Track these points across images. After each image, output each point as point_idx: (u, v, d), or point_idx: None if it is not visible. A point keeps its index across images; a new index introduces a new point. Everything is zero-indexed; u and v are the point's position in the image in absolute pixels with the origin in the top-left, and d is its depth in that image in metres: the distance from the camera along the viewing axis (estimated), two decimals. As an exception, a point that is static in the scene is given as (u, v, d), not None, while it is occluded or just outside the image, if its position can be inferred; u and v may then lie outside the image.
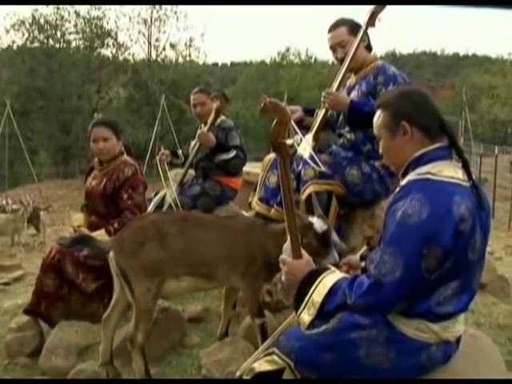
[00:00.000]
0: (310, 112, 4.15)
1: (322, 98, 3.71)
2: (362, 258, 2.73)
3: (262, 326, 3.24)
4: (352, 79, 4.02)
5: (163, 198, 4.95)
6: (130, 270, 3.05)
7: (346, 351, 2.15)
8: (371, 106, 3.27)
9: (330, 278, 2.24)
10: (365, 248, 2.87)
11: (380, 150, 2.35)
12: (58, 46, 29.40)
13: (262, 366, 2.31)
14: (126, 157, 4.10)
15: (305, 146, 3.53)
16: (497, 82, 40.86)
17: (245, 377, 2.38)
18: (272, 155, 3.80)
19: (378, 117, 2.30)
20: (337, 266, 2.86)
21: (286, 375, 2.26)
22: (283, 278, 2.38)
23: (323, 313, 2.19)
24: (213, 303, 4.17)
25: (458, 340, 2.29)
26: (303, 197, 3.55)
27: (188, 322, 3.90)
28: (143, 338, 3.06)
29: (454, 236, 2.00)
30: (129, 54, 31.45)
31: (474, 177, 2.15)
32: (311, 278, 2.26)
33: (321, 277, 2.25)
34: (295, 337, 2.27)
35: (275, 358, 2.28)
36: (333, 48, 3.91)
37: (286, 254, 2.41)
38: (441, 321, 2.13)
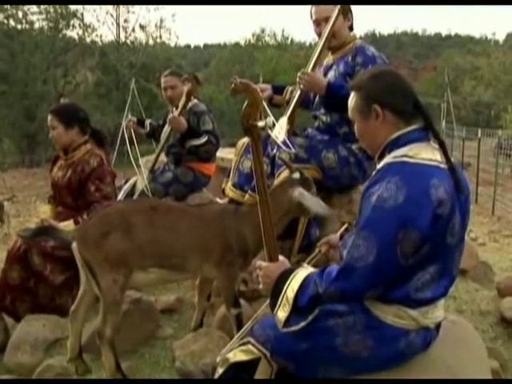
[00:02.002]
0: (279, 90, 4.15)
1: (298, 79, 3.71)
2: (342, 237, 2.75)
3: (238, 316, 3.25)
4: (329, 58, 4.02)
5: (134, 186, 4.95)
6: (94, 261, 3.04)
7: (322, 339, 2.18)
8: (348, 89, 3.29)
9: (303, 273, 2.26)
10: (345, 226, 2.90)
11: (356, 134, 2.36)
12: (19, 27, 28.87)
13: (237, 356, 2.34)
14: (90, 146, 4.06)
15: (279, 129, 3.54)
16: (480, 62, 41.02)
17: (219, 368, 2.40)
18: (246, 139, 3.78)
19: (351, 99, 2.31)
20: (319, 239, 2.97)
21: (262, 365, 2.29)
22: (261, 286, 2.40)
23: (298, 308, 2.21)
24: (186, 293, 4.18)
25: (438, 326, 2.32)
26: (278, 181, 3.56)
27: (161, 313, 3.91)
28: (112, 332, 3.05)
29: (431, 220, 2.01)
30: (96, 35, 31.01)
31: (451, 159, 2.17)
32: (285, 276, 2.28)
33: (293, 273, 2.27)
34: (271, 325, 2.29)
35: (250, 347, 2.30)
36: (317, 22, 3.90)
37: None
38: (419, 307, 2.14)
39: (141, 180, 4.88)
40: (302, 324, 2.19)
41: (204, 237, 3.21)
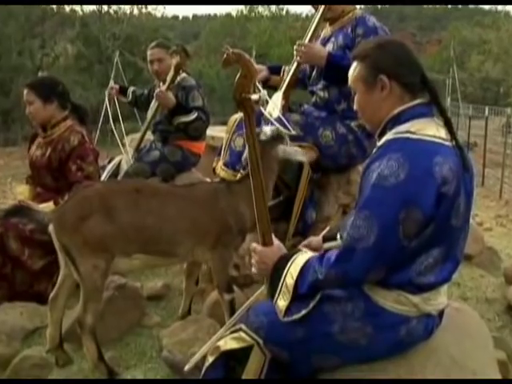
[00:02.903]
0: (275, 70, 4.14)
1: (295, 51, 3.70)
2: (326, 239, 2.72)
3: (231, 302, 3.25)
4: (327, 30, 4.00)
5: (118, 165, 4.96)
6: (73, 245, 3.01)
7: (318, 326, 2.20)
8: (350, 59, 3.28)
9: (301, 258, 2.26)
10: (328, 228, 2.89)
11: (355, 106, 2.35)
12: (-10, -7, 28.57)
13: (228, 343, 2.36)
14: (70, 122, 4.05)
15: (273, 105, 3.54)
16: (489, 35, 40.65)
17: (209, 356, 2.42)
18: (238, 115, 3.77)
19: (354, 69, 2.29)
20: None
21: (255, 353, 2.30)
22: (254, 270, 2.41)
23: (298, 296, 2.21)
24: (174, 279, 4.19)
25: (441, 314, 2.34)
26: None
27: (147, 300, 3.92)
28: (93, 320, 3.04)
29: (435, 199, 2.02)
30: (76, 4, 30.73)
31: (457, 137, 2.18)
32: (283, 262, 2.29)
33: (292, 259, 2.27)
34: (264, 311, 2.31)
35: (242, 334, 2.32)
36: None
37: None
38: (421, 292, 2.16)
39: (126, 159, 4.88)
40: (304, 312, 2.21)
41: (198, 219, 3.20)
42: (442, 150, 2.08)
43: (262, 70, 4.06)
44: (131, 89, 5.67)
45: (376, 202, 2.06)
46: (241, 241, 3.32)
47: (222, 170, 3.81)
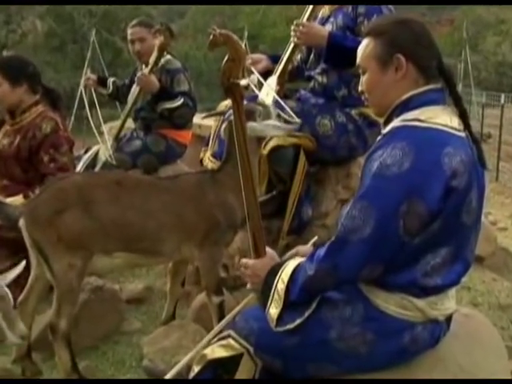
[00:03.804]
0: (277, 60, 4.14)
1: (292, 32, 3.71)
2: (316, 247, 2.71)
3: (220, 305, 3.26)
4: (325, 10, 4.01)
5: (96, 156, 4.95)
6: (46, 242, 3.01)
7: (314, 332, 2.20)
8: (354, 41, 3.28)
9: (293, 262, 2.27)
10: (316, 237, 2.89)
11: (361, 87, 2.32)
12: None
13: (216, 351, 2.35)
14: (42, 107, 4.02)
15: (267, 90, 3.55)
16: (507, 14, 40.38)
17: (194, 366, 2.42)
18: (228, 102, 3.78)
19: (367, 45, 2.26)
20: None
21: (245, 362, 2.30)
22: (248, 285, 2.44)
23: (291, 303, 2.21)
24: (157, 280, 4.21)
25: (449, 320, 2.34)
26: (265, 151, 3.57)
27: (127, 304, 3.94)
28: (67, 325, 3.03)
29: (443, 193, 2.02)
30: (46, -27, 30.41)
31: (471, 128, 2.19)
32: (275, 270, 2.29)
33: (283, 266, 2.28)
34: (255, 316, 2.32)
35: (231, 341, 2.32)
36: None
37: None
38: (427, 296, 2.16)
39: (104, 149, 4.88)
40: (298, 321, 2.21)
41: (184, 214, 3.21)
42: (453, 140, 2.08)
43: (261, 60, 4.05)
44: (111, 79, 5.63)
45: (375, 193, 2.05)
46: (232, 237, 3.33)
47: (210, 162, 3.81)
